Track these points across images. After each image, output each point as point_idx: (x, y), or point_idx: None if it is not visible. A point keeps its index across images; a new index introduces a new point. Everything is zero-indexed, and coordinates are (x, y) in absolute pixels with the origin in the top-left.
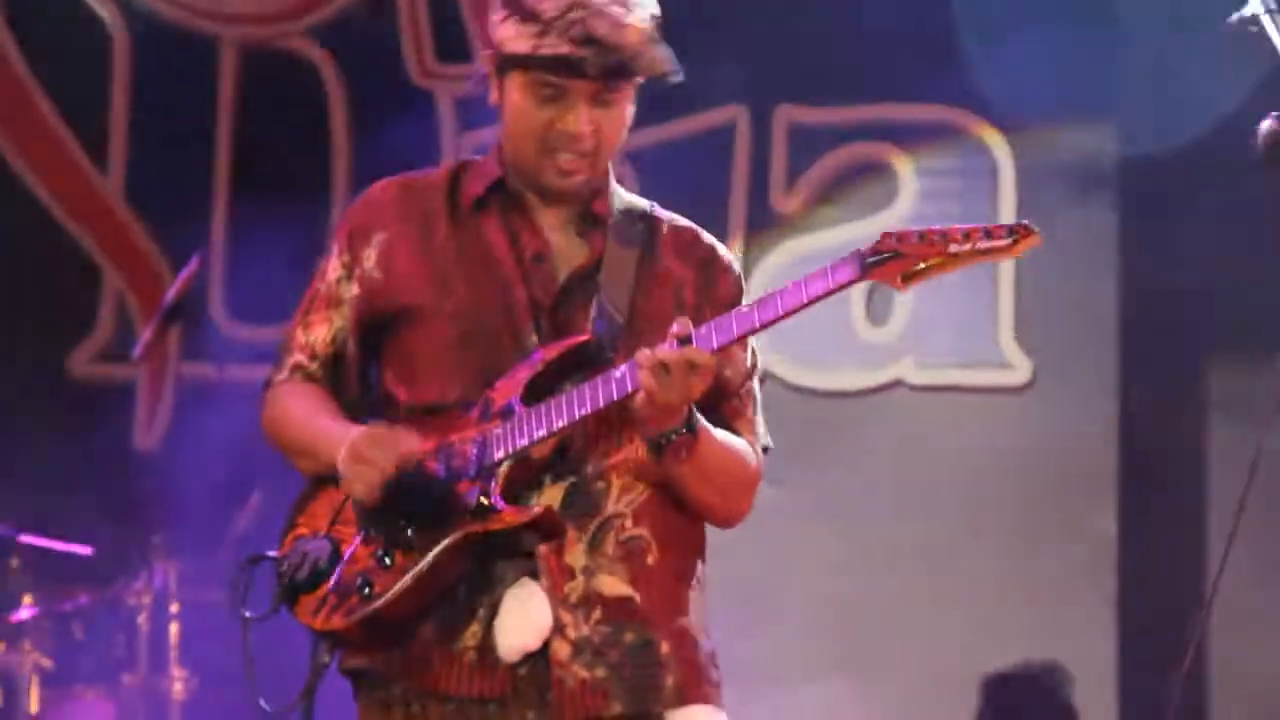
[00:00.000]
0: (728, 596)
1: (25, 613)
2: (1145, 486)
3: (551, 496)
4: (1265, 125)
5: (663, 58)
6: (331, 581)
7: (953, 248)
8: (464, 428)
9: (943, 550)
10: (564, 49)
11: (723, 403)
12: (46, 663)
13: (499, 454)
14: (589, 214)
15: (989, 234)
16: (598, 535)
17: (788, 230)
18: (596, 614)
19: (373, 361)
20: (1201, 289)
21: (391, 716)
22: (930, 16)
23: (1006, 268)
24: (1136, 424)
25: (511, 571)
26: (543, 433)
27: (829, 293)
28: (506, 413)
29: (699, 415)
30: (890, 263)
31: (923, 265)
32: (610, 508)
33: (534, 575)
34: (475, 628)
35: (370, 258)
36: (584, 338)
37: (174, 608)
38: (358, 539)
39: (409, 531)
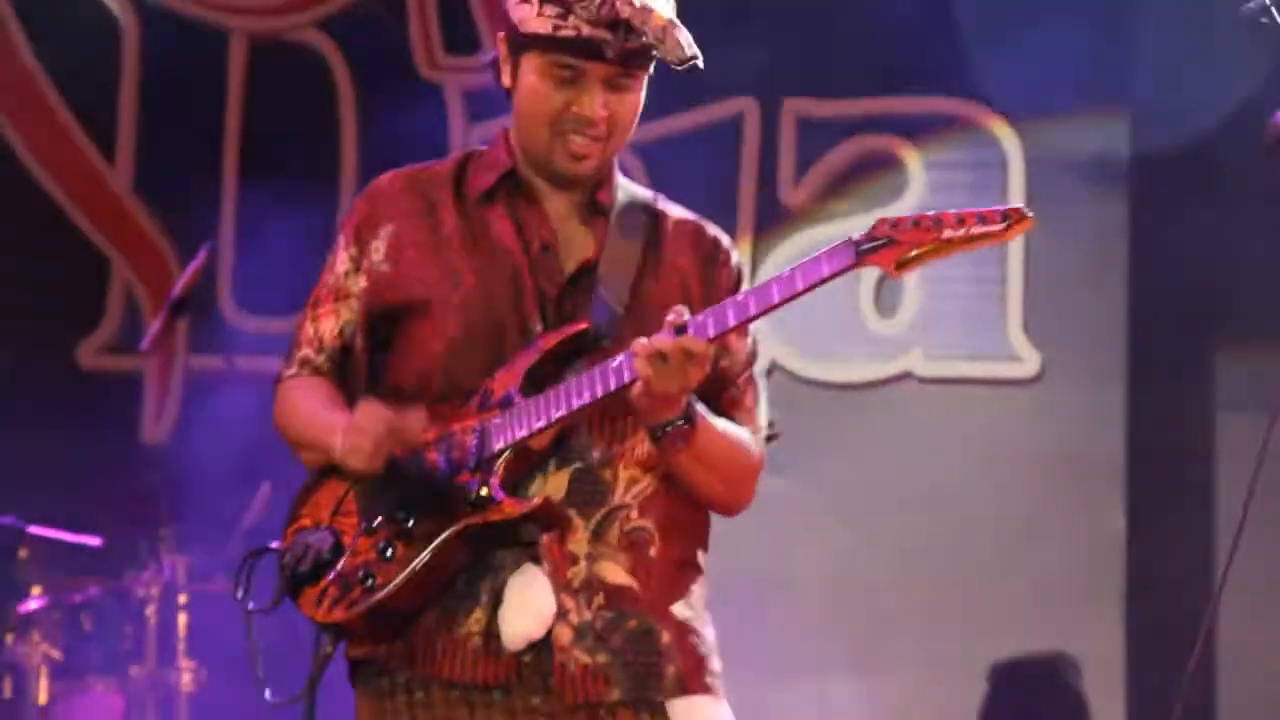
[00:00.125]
0: (734, 586)
1: (34, 604)
2: (1154, 478)
3: (557, 483)
4: (1277, 117)
5: (686, 43)
6: (333, 574)
7: (947, 233)
8: (464, 418)
9: (950, 542)
10: (585, 30)
11: (722, 392)
12: (55, 654)
13: (498, 445)
14: (593, 203)
15: (983, 219)
16: (602, 524)
17: (796, 223)
18: (599, 599)
19: (381, 353)
20: (1211, 282)
21: (395, 704)
22: (940, 8)
23: (1016, 260)
24: (1145, 416)
25: (514, 558)
26: (541, 424)
27: (823, 280)
28: (505, 403)
29: (698, 404)
30: (884, 249)
31: (916, 251)
32: (616, 498)
33: (536, 561)
34: (479, 614)
35: (378, 250)
36: (583, 326)
37: (182, 599)
38: (359, 530)
39: (410, 523)
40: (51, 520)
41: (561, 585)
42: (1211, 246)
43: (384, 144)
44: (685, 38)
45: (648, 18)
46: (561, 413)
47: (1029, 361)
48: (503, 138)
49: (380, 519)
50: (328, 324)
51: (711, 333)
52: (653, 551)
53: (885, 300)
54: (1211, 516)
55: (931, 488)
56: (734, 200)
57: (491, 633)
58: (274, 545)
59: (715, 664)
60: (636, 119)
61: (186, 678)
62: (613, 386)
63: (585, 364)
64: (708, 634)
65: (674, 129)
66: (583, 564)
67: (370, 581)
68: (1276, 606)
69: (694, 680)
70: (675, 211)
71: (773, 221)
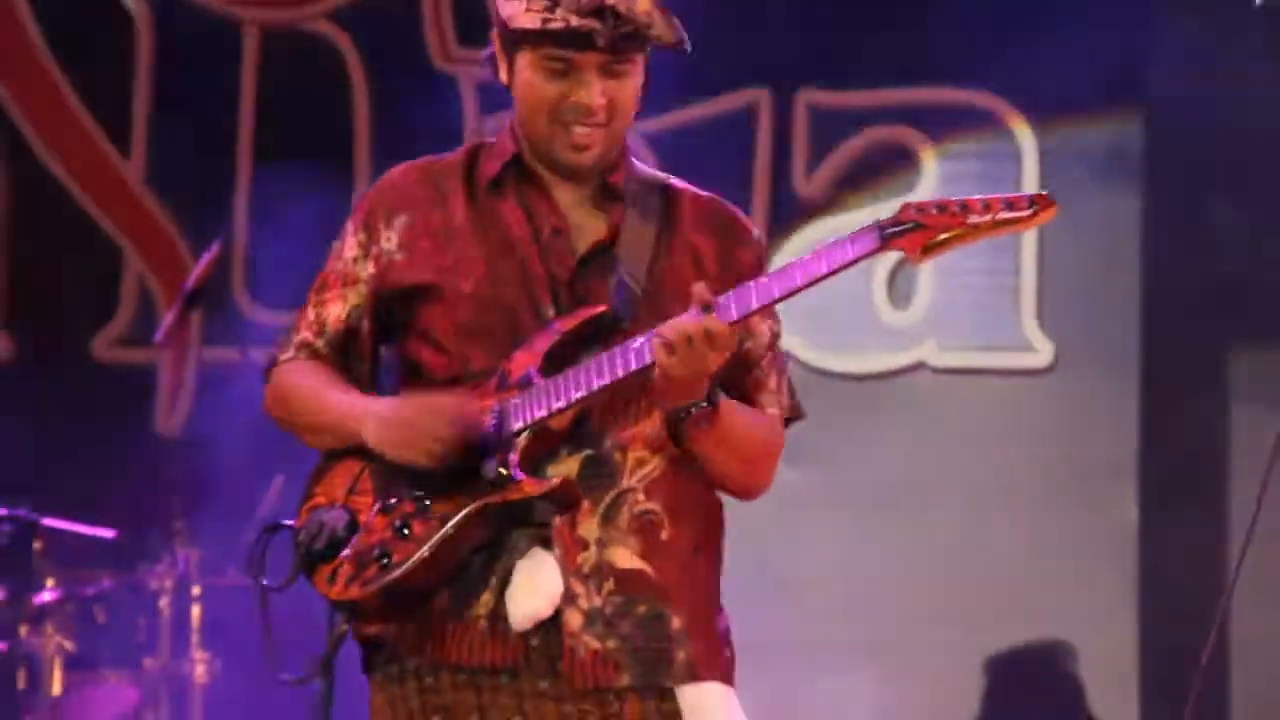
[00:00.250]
0: (748, 578)
1: (48, 596)
2: (1167, 469)
3: (568, 467)
4: None
5: (673, 27)
6: (349, 551)
7: (973, 218)
8: (482, 397)
9: (963, 533)
10: (573, 21)
11: (745, 374)
12: (69, 646)
13: (517, 424)
14: (606, 188)
15: (1010, 205)
16: (611, 508)
17: (809, 213)
18: (609, 585)
19: (391, 339)
20: (1225, 273)
21: (405, 690)
22: None
23: (1030, 250)
24: (1159, 408)
25: (524, 541)
26: (560, 404)
27: (849, 263)
28: (524, 383)
29: (719, 389)
30: (910, 234)
31: (943, 236)
32: (624, 481)
33: (546, 545)
34: (487, 597)
35: (390, 239)
36: (601, 308)
37: (196, 591)
38: (375, 508)
39: (427, 501)
40: (65, 512)
41: (572, 570)
42: (1226, 239)
43: (397, 136)
44: (672, 22)
45: (632, 3)
46: (581, 393)
47: (1043, 352)
48: (509, 126)
49: (396, 497)
50: (334, 308)
51: (735, 315)
52: (664, 535)
53: (899, 291)
54: (1225, 508)
55: (945, 478)
56: (747, 190)
57: (499, 615)
58: (289, 523)
59: (727, 651)
60: (637, 102)
61: (200, 669)
62: (634, 367)
63: (604, 345)
64: (720, 620)
65: (687, 119)
66: (593, 549)
67: (386, 559)
68: None
69: (704, 666)
70: (690, 189)
71: (786, 212)
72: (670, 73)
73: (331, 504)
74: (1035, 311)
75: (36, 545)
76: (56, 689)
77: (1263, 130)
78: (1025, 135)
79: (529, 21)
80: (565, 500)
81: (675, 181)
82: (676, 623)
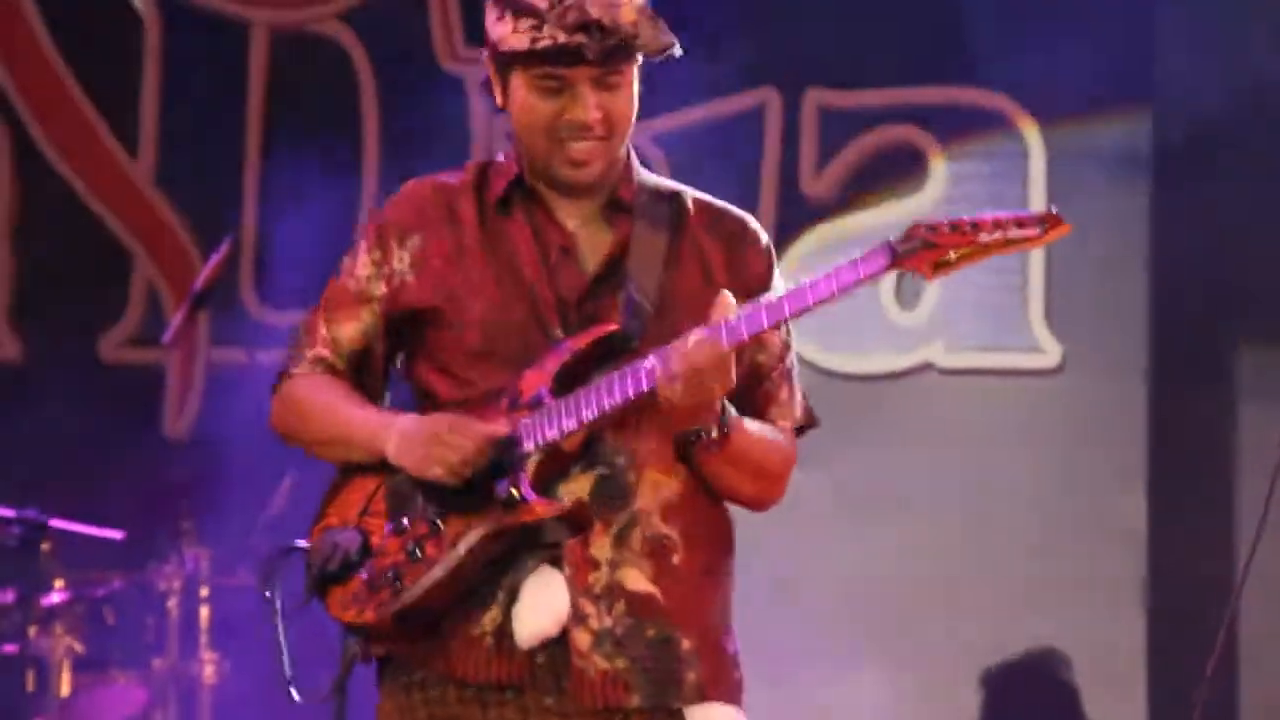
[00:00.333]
0: (755, 581)
1: (56, 597)
2: (1175, 470)
3: (580, 486)
4: None
5: (660, 34)
6: (363, 574)
7: (983, 237)
8: (492, 418)
9: (971, 533)
10: (561, 38)
11: (756, 387)
12: (78, 647)
13: (529, 445)
14: (614, 201)
15: (1020, 224)
16: (625, 529)
17: (818, 214)
18: (620, 606)
19: (401, 358)
20: (1232, 274)
21: (412, 701)
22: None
23: (1037, 251)
24: (1167, 408)
25: (534, 560)
26: (572, 424)
27: (859, 283)
28: (535, 403)
29: (731, 409)
30: (921, 252)
31: (954, 255)
32: (639, 503)
33: (557, 564)
34: (494, 613)
35: (403, 259)
36: (612, 327)
37: (204, 592)
38: (388, 529)
39: (439, 523)
40: (74, 513)
41: (582, 590)
42: (1233, 239)
43: (406, 136)
44: (661, 28)
45: (617, 14)
46: (593, 414)
47: (1050, 353)
48: (514, 146)
49: (409, 519)
50: (348, 327)
51: (745, 335)
52: (676, 559)
53: (906, 292)
54: (1233, 508)
55: (953, 479)
56: (756, 191)
57: (505, 632)
58: (301, 544)
59: (736, 673)
60: (634, 113)
61: (208, 670)
62: (645, 387)
63: (616, 364)
64: (729, 643)
65: (696, 120)
66: (604, 569)
67: (399, 583)
68: None
69: (714, 687)
70: (699, 197)
71: (794, 212)
72: (679, 73)
73: (344, 525)
74: (1043, 312)
75: (45, 546)
76: (65, 690)
77: (1273, 129)
78: (1033, 135)
79: (518, 43)
80: (577, 522)
81: (685, 189)
82: (686, 645)
